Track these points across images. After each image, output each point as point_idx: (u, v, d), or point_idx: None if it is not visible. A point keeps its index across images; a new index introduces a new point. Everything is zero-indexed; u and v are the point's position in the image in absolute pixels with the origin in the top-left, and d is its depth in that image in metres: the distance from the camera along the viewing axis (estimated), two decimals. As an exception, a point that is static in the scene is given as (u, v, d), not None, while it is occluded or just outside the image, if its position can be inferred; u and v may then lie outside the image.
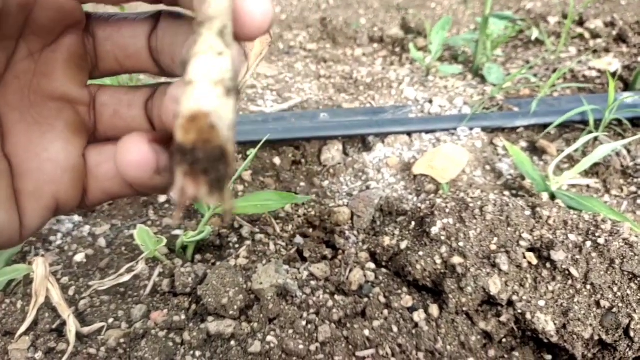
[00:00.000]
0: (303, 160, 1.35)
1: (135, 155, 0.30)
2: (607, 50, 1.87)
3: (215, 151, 0.24)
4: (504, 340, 0.88)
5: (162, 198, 1.16)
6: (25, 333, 0.87)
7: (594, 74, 1.68)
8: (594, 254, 0.82)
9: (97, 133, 0.40)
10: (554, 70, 1.70)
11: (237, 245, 1.07)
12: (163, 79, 0.41)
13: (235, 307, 0.90)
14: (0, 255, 0.95)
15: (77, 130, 0.38)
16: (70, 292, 0.93)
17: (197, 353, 0.85)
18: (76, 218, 1.10)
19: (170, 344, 0.85)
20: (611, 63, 1.74)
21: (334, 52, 1.92)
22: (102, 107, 0.40)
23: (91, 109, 0.39)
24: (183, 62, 0.26)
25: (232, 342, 0.87)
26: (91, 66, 0.39)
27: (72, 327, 0.85)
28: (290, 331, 0.88)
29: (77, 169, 0.38)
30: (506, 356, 0.88)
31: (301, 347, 0.85)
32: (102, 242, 1.03)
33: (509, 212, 0.89)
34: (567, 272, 0.81)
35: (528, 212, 0.90)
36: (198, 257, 1.03)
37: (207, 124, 0.24)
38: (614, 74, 1.61)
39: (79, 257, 0.99)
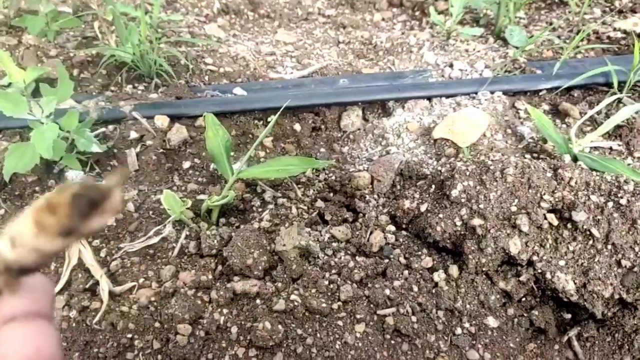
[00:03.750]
0: (323, 127, 1.35)
1: None
2: (633, 11, 1.81)
3: None
4: (523, 299, 0.90)
5: (186, 164, 1.19)
6: (60, 293, 0.91)
7: (619, 35, 1.64)
8: (615, 215, 0.82)
9: None
10: (578, 32, 1.66)
11: (260, 209, 1.09)
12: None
13: (260, 267, 0.93)
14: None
15: None
16: (102, 254, 0.97)
17: (225, 310, 0.88)
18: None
19: (199, 302, 0.88)
20: (637, 23, 1.69)
21: (352, 18, 1.89)
22: None
23: None
24: None
25: (258, 301, 0.90)
26: None
27: (105, 286, 0.89)
28: (313, 290, 0.91)
29: None
30: (525, 314, 0.90)
31: (324, 305, 0.88)
32: (130, 206, 1.06)
33: (530, 174, 0.89)
34: (588, 233, 0.82)
35: (549, 174, 0.90)
36: (222, 220, 1.06)
37: None
38: (639, 35, 1.57)
39: (109, 221, 1.03)
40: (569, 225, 0.84)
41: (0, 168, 1.10)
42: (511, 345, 0.88)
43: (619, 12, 1.81)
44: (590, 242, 0.82)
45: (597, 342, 0.87)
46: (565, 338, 0.88)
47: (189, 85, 1.38)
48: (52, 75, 1.36)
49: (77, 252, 0.93)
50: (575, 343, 0.87)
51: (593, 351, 0.87)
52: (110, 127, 1.23)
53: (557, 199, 0.86)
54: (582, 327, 0.87)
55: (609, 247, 0.81)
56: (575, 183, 0.87)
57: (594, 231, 0.81)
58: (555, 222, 0.84)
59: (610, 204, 0.83)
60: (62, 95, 1.06)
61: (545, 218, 0.85)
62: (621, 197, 0.83)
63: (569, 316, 0.88)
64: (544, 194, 0.87)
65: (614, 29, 1.68)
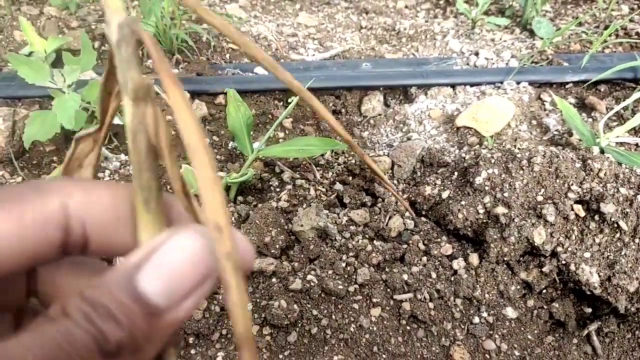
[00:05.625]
0: (343, 110, 1.34)
1: None
2: (664, 8, 1.77)
3: None
4: (544, 291, 0.88)
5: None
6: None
7: (650, 31, 1.60)
8: (645, 208, 0.80)
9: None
10: (606, 27, 1.62)
11: (278, 189, 1.08)
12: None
13: (277, 246, 0.92)
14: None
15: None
16: (119, 225, 0.96)
17: (240, 287, 0.87)
18: (123, 157, 1.13)
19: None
20: (669, 20, 1.64)
21: (375, 3, 1.87)
22: None
23: None
24: None
25: (274, 279, 0.89)
26: None
27: (122, 258, 0.89)
28: (330, 272, 0.90)
29: None
30: (545, 307, 0.88)
31: (340, 287, 0.87)
32: (147, 180, 1.05)
33: (558, 164, 0.87)
34: (615, 225, 0.80)
35: (578, 165, 0.87)
36: (240, 198, 1.05)
37: None
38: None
39: (126, 193, 1.02)
40: (596, 217, 0.82)
41: (19, 136, 1.10)
42: (529, 337, 0.87)
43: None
44: (618, 235, 0.80)
45: (616, 338, 0.86)
46: (585, 332, 0.86)
47: (210, 62, 1.37)
48: (73, 47, 1.35)
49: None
50: (595, 338, 0.86)
51: (612, 347, 0.86)
52: (130, 100, 1.22)
53: (585, 190, 0.84)
54: (603, 322, 0.86)
55: (637, 240, 0.79)
56: (605, 175, 0.85)
57: (622, 224, 0.79)
58: (582, 214, 0.82)
59: (640, 197, 0.81)
60: (85, 64, 1.05)
61: (572, 209, 0.83)
62: (652, 191, 0.81)
63: (589, 310, 0.87)
64: (572, 184, 0.85)
65: (644, 25, 1.64)
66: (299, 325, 0.84)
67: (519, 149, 0.93)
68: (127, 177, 1.06)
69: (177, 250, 0.24)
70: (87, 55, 1.07)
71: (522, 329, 0.87)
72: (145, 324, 0.23)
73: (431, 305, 0.87)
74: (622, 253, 0.79)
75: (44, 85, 1.03)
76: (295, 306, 0.84)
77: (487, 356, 0.84)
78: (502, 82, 1.29)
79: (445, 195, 0.97)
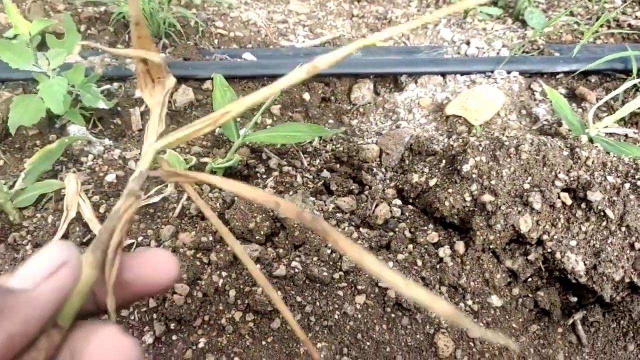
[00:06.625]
0: (332, 98, 1.32)
1: None
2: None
3: None
4: (529, 279, 0.88)
5: (190, 127, 1.16)
6: (57, 246, 0.89)
7: (641, 23, 1.59)
8: (632, 196, 0.79)
9: None
10: (598, 19, 1.62)
11: (264, 176, 1.07)
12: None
13: (262, 232, 0.91)
14: (31, 171, 0.96)
15: None
16: (101, 210, 0.95)
17: (224, 273, 0.86)
18: (107, 141, 1.11)
19: (198, 262, 0.86)
20: (661, 12, 1.64)
21: (367, -8, 1.85)
22: None
23: None
24: None
25: (258, 265, 0.88)
26: None
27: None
28: (315, 258, 0.89)
29: None
30: (530, 295, 0.87)
31: (325, 274, 0.86)
32: (132, 164, 1.04)
33: (545, 152, 0.86)
34: (602, 213, 0.79)
35: (566, 153, 0.87)
36: (225, 184, 1.04)
37: None
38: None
39: (110, 178, 1.00)
40: (582, 205, 0.81)
41: (1, 119, 1.08)
42: (514, 325, 0.86)
43: (640, 3, 1.76)
44: (604, 223, 0.79)
45: (602, 327, 0.85)
46: (570, 321, 0.86)
47: (197, 47, 1.35)
48: (59, 30, 1.32)
49: (75, 206, 0.91)
50: (580, 327, 0.85)
51: (597, 337, 0.85)
52: (115, 84, 1.20)
53: (572, 178, 0.83)
54: (588, 311, 0.85)
55: (623, 229, 0.78)
56: (592, 163, 0.84)
57: (609, 212, 0.78)
58: (569, 202, 0.81)
59: (627, 185, 0.80)
60: (69, 46, 1.03)
61: (559, 197, 0.82)
62: (639, 179, 0.80)
63: (575, 299, 0.86)
64: (559, 172, 0.84)
65: (635, 17, 1.64)
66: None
67: (507, 136, 0.92)
68: (110, 162, 1.04)
69: None
70: (71, 37, 1.05)
71: (507, 317, 0.86)
72: None
73: (416, 292, 0.86)
74: (608, 241, 0.78)
75: (27, 69, 1.01)
76: (279, 292, 0.83)
77: (472, 344, 0.83)
78: (492, 72, 1.28)
79: (432, 183, 0.97)
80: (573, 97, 1.28)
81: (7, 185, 0.93)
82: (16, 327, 0.24)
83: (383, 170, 1.10)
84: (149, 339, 0.81)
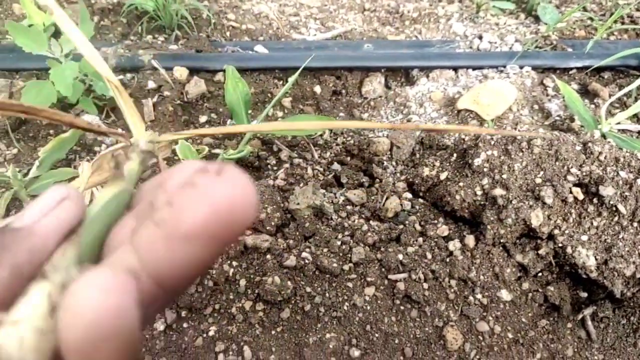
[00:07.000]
0: (344, 91, 1.32)
1: None
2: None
3: None
4: (539, 274, 0.87)
5: (202, 118, 1.16)
6: (71, 234, 0.90)
7: (657, 19, 1.58)
8: (645, 192, 0.79)
9: None
10: (611, 15, 1.60)
11: (275, 168, 1.07)
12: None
13: (272, 223, 0.91)
14: (45, 160, 0.97)
15: None
16: (114, 199, 0.96)
17: (234, 263, 0.87)
18: (119, 131, 1.12)
19: (209, 252, 0.87)
20: (677, 9, 1.62)
21: (379, -14, 1.84)
22: None
23: None
24: None
25: (268, 256, 0.88)
26: None
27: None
28: (325, 250, 0.90)
29: None
30: (540, 290, 0.87)
31: (335, 265, 0.87)
32: (144, 154, 1.04)
33: (558, 147, 0.86)
34: (614, 209, 0.79)
35: (579, 147, 0.86)
36: (236, 175, 1.04)
37: None
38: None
39: (122, 167, 1.01)
40: (594, 200, 0.81)
41: (16, 107, 1.09)
42: (523, 320, 0.86)
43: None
44: (616, 218, 0.79)
45: (611, 323, 0.85)
46: (580, 317, 0.86)
47: (209, 39, 1.35)
48: (73, 21, 1.33)
49: (89, 194, 0.92)
50: (589, 323, 0.85)
51: (607, 332, 0.85)
52: (129, 75, 1.20)
53: (584, 173, 0.83)
54: (598, 306, 0.85)
55: (635, 224, 0.78)
56: (605, 158, 0.84)
57: (621, 207, 0.78)
58: (581, 197, 0.81)
59: (640, 181, 0.80)
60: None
61: (571, 192, 0.82)
62: (652, 175, 0.80)
63: (585, 295, 0.86)
64: (572, 167, 0.84)
65: (651, 14, 1.62)
66: (292, 301, 0.84)
67: (519, 131, 0.91)
68: (124, 151, 1.05)
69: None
70: (85, 25, 1.06)
71: (516, 311, 0.86)
72: None
73: (425, 285, 0.86)
74: (620, 236, 0.78)
75: (41, 54, 1.02)
76: (289, 283, 0.83)
77: (480, 338, 0.84)
78: (505, 66, 1.27)
79: (443, 176, 0.97)
80: (586, 93, 1.27)
81: (21, 173, 0.95)
82: (19, 259, 0.24)
83: (394, 163, 1.10)
84: (160, 326, 0.82)
